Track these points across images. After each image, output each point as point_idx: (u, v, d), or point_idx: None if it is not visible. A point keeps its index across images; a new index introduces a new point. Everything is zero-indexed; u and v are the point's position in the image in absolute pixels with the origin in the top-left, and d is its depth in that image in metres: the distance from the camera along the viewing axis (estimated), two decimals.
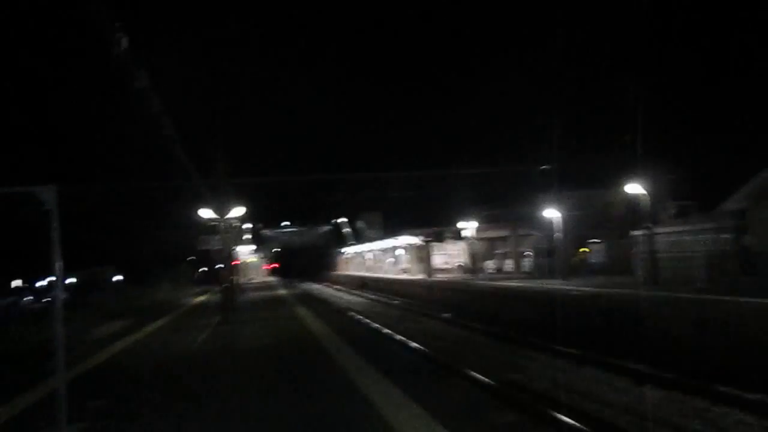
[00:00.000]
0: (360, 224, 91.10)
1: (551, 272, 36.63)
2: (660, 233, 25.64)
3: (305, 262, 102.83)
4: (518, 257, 40.89)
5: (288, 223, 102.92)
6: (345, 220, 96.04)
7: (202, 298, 40.57)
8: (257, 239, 76.55)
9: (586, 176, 31.46)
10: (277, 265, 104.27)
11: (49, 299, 64.21)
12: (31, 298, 74.47)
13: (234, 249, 24.47)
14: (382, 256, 60.19)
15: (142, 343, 16.46)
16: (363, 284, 54.48)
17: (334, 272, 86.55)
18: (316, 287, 64.31)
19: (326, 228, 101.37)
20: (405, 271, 53.32)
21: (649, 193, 20.71)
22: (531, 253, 40.25)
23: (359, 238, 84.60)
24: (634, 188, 20.99)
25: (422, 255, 43.18)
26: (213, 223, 17.78)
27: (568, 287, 23.26)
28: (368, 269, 67.41)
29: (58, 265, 5.91)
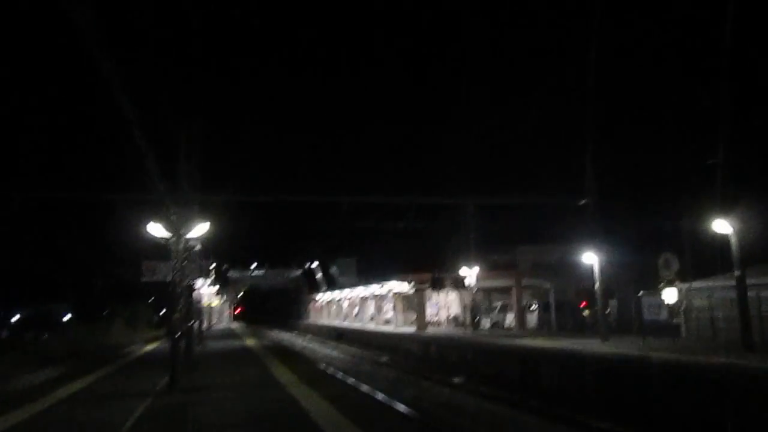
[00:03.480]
0: (333, 270, 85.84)
1: (562, 329, 32.05)
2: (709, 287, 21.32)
3: (274, 307, 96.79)
4: (522, 311, 36.06)
5: (255, 264, 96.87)
6: (316, 264, 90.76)
7: (155, 344, 34.72)
8: (221, 280, 70.41)
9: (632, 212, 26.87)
10: (242, 309, 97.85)
11: None
12: None
13: (192, 283, 19.18)
14: (362, 304, 54.77)
15: (49, 415, 11.08)
16: (339, 336, 48.93)
17: (305, 321, 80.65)
18: (286, 336, 58.44)
19: (297, 272, 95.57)
20: (388, 322, 48.01)
21: (738, 232, 16.14)
22: (535, 307, 35.54)
23: (332, 284, 79.30)
24: (721, 226, 16.39)
25: (415, 304, 37.99)
26: (166, 243, 12.56)
27: (619, 349, 18.44)
28: (344, 318, 61.83)
29: None
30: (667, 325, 20.68)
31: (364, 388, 16.37)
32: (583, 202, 21.37)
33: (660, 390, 14.25)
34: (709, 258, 22.42)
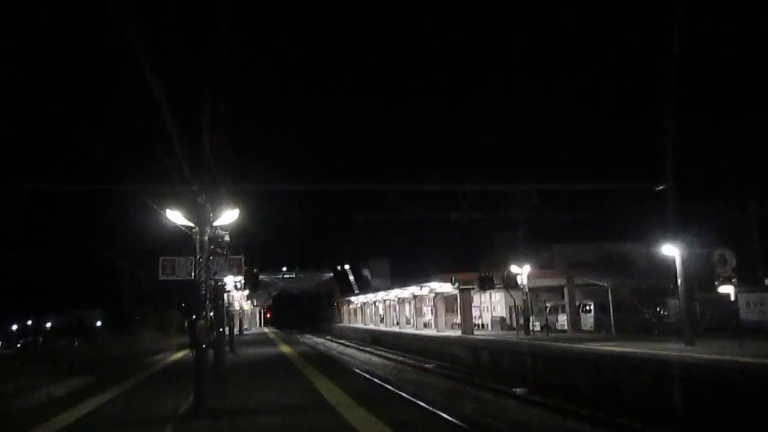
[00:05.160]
0: (366, 272, 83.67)
1: (621, 331, 29.24)
2: None
3: (305, 311, 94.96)
4: (576, 312, 33.30)
5: (285, 268, 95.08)
6: (348, 266, 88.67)
7: (185, 351, 32.76)
8: (252, 283, 68.56)
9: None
10: (273, 313, 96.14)
11: (20, 344, 56.83)
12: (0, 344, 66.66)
13: (222, 282, 16.92)
14: (399, 306, 52.33)
15: None
16: (376, 340, 46.60)
17: (338, 324, 78.56)
18: (320, 341, 56.30)
19: (329, 275, 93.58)
20: (426, 325, 45.55)
21: None
22: (591, 308, 32.72)
23: (364, 286, 77.13)
24: None
25: (457, 305, 35.45)
26: (189, 232, 10.19)
27: (722, 356, 15.75)
28: (380, 321, 59.49)
29: None
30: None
31: (425, 404, 13.96)
32: (661, 187, 18.65)
33: None
34: None
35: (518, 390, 19.01)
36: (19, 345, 59.15)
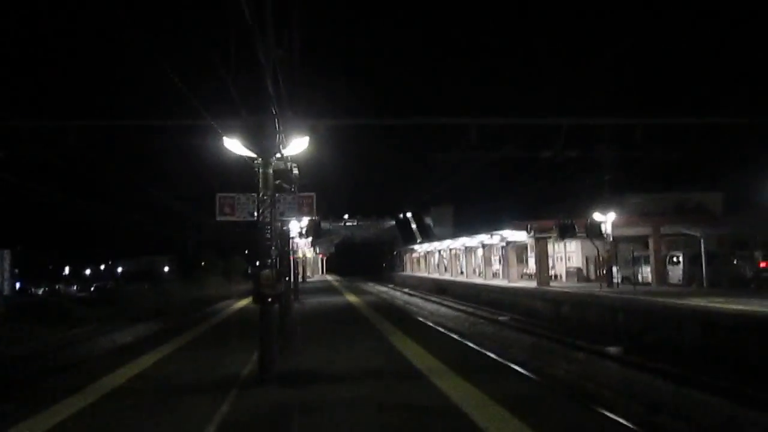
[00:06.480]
0: (428, 220, 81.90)
1: (715, 286, 26.65)
2: None
3: (367, 259, 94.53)
4: (662, 264, 30.75)
5: (347, 216, 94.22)
6: (410, 214, 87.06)
7: (249, 300, 32.16)
8: (314, 230, 67.90)
9: None
10: (335, 261, 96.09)
11: (93, 287, 58.35)
12: (75, 287, 68.91)
13: (287, 227, 15.30)
14: (466, 255, 50.53)
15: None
16: (442, 290, 45.11)
17: (401, 273, 77.61)
18: (383, 290, 55.26)
19: (390, 223, 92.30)
20: (495, 275, 43.71)
21: None
22: (680, 259, 30.07)
23: (427, 235, 75.50)
24: None
25: (530, 255, 33.34)
26: (252, 163, 8.35)
27: None
28: (445, 271, 57.98)
29: None
30: None
31: (515, 367, 12.20)
32: None
33: None
34: None
35: (611, 349, 17.07)
36: (92, 288, 60.91)
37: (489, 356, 12.68)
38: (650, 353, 15.76)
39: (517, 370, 10.87)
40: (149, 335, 20.01)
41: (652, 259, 31.27)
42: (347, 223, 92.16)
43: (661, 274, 30.60)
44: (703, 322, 16.50)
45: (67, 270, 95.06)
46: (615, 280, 28.96)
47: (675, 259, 30.21)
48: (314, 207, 10.12)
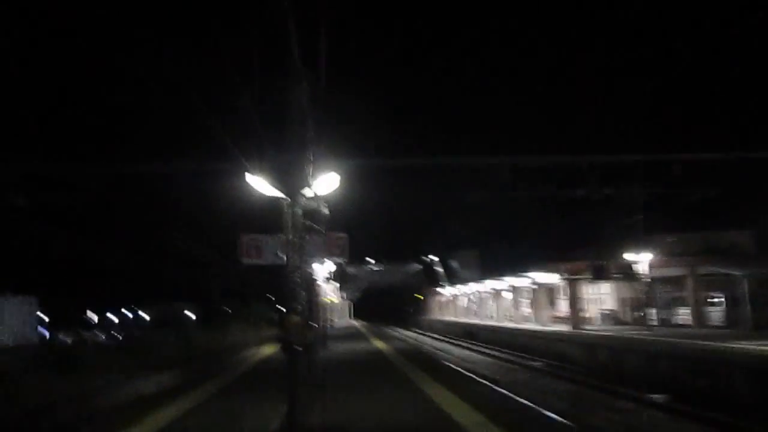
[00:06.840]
0: (454, 263, 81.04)
1: (760, 328, 25.44)
2: None
3: (392, 304, 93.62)
4: (700, 305, 29.64)
5: (371, 261, 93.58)
6: (437, 259, 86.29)
7: (274, 347, 31.49)
8: (340, 275, 67.27)
9: None
10: (361, 306, 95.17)
11: (115, 335, 58.25)
12: (103, 336, 68.92)
13: (313, 271, 14.71)
14: (495, 299, 49.55)
15: None
16: (470, 334, 44.08)
17: (427, 317, 76.46)
18: (410, 335, 54.26)
19: (416, 267, 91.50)
20: (526, 318, 42.61)
21: None
22: (722, 300, 28.95)
23: (453, 278, 74.57)
24: None
25: (572, 297, 32.36)
26: (281, 201, 7.73)
27: None
28: (473, 315, 56.88)
29: None
30: None
31: (564, 420, 11.41)
32: None
33: None
34: None
35: (656, 396, 16.12)
36: (120, 337, 60.72)
37: (528, 405, 11.91)
38: (699, 402, 14.82)
39: (561, 421, 10.10)
40: (173, 385, 19.47)
41: (691, 300, 30.18)
42: (374, 269, 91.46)
43: (700, 315, 29.48)
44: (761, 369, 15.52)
45: (96, 318, 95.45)
46: (652, 322, 27.90)
47: (713, 301, 29.12)
48: (347, 249, 9.64)
